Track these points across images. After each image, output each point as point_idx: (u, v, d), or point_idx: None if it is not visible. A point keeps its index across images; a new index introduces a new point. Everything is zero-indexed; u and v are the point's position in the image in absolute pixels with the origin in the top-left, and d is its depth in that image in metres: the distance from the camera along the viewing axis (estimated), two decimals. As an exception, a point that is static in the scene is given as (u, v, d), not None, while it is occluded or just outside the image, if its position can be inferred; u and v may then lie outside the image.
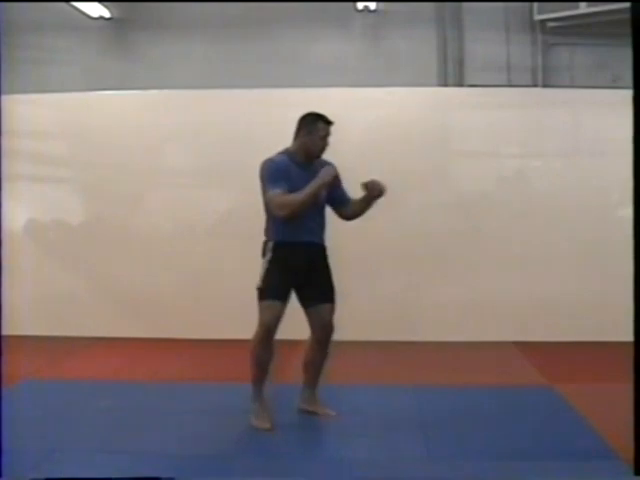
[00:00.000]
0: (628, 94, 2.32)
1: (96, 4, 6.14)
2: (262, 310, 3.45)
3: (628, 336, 2.30)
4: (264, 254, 3.52)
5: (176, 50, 6.34)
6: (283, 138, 5.85)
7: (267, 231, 3.56)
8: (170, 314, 5.84)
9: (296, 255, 3.49)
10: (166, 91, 5.97)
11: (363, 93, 5.85)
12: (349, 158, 5.83)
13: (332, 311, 3.62)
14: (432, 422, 3.56)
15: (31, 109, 5.78)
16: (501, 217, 5.76)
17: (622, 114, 2.72)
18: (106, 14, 6.32)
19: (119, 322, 5.85)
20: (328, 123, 3.60)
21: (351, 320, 5.66)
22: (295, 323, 5.82)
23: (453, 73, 6.31)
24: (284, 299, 3.48)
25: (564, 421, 3.60)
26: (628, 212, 2.34)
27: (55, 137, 6.06)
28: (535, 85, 6.21)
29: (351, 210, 3.69)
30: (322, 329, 3.59)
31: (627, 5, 3.35)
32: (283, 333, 5.61)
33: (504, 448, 3.24)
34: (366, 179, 3.53)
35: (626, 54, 2.40)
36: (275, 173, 3.44)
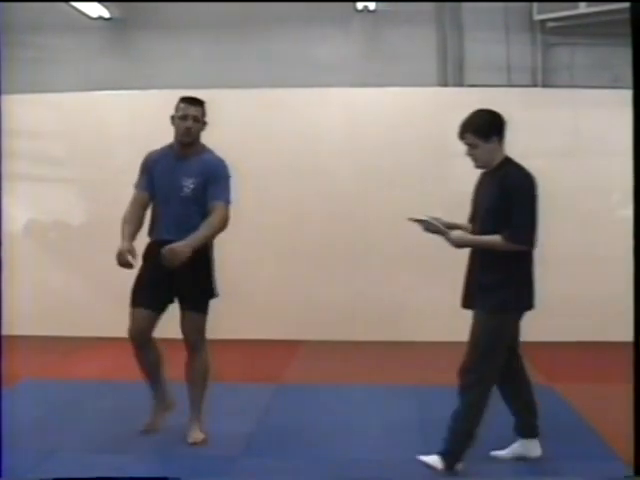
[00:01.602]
0: (628, 94, 2.31)
1: (96, 4, 6.13)
2: (129, 317, 3.57)
3: (628, 336, 2.30)
4: None
5: (176, 50, 6.34)
6: (283, 138, 5.90)
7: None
8: (170, 314, 5.82)
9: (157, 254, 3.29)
10: (166, 91, 5.95)
11: (363, 93, 5.85)
12: (349, 158, 5.86)
13: (196, 320, 3.56)
14: (432, 422, 3.55)
15: (31, 109, 5.78)
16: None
17: (622, 114, 2.72)
18: (106, 14, 6.31)
19: (119, 322, 5.83)
20: (190, 103, 3.42)
21: (351, 320, 5.69)
22: (299, 323, 5.83)
23: (453, 73, 6.31)
24: (147, 304, 3.55)
25: (564, 421, 3.60)
26: (628, 212, 2.34)
27: (55, 137, 6.06)
28: (535, 85, 6.21)
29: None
30: (187, 337, 3.56)
31: (627, 5, 3.34)
32: (284, 333, 5.64)
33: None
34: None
35: (626, 54, 2.39)
36: (140, 167, 3.47)
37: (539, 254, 5.90)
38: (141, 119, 5.94)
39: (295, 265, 5.85)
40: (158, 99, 5.96)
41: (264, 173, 5.84)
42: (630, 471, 2.41)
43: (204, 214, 3.37)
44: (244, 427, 3.55)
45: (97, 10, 6.23)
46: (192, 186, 3.33)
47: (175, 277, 3.32)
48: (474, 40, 6.27)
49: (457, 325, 5.87)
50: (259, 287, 5.80)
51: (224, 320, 5.73)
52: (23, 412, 3.50)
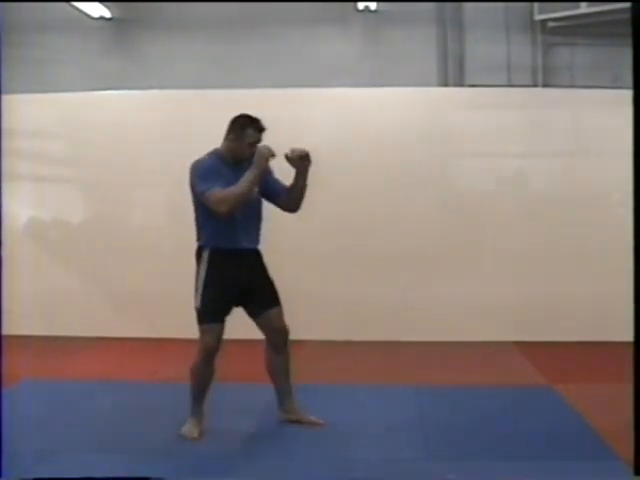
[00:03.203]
0: (628, 94, 2.31)
1: (97, 4, 6.14)
2: (202, 333, 3.39)
3: (628, 336, 2.30)
4: (198, 261, 3.36)
5: (176, 50, 6.34)
6: (283, 138, 5.88)
7: (200, 237, 3.38)
8: (170, 314, 5.83)
9: (231, 263, 3.33)
10: (166, 91, 5.97)
11: (363, 93, 5.85)
12: (349, 158, 5.85)
13: (281, 314, 3.52)
14: (432, 422, 3.56)
15: (31, 108, 5.77)
16: (501, 217, 5.76)
17: (622, 114, 2.71)
18: (107, 14, 6.32)
19: (119, 322, 5.85)
20: (260, 130, 3.41)
21: (351, 320, 5.69)
22: (299, 323, 5.82)
23: (453, 73, 6.31)
24: (224, 320, 3.41)
25: (564, 421, 3.60)
26: (628, 212, 2.34)
27: (55, 136, 6.06)
28: (535, 85, 6.21)
29: (291, 196, 3.46)
30: (275, 334, 3.49)
31: (627, 5, 3.34)
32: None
33: (504, 448, 3.24)
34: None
35: (626, 54, 2.39)
36: (207, 172, 3.27)
37: (539, 254, 5.93)
38: (141, 119, 5.95)
39: (295, 265, 5.84)
40: (158, 99, 5.98)
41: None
42: (630, 471, 2.41)
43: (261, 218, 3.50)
44: (244, 427, 3.55)
45: (98, 10, 6.25)
46: (256, 194, 3.39)
47: (246, 283, 3.40)
48: (474, 40, 6.27)
49: (457, 325, 5.91)
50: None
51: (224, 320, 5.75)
52: (23, 412, 3.50)
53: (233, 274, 3.33)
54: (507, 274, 5.69)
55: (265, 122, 5.76)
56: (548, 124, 5.75)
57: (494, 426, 3.54)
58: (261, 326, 3.50)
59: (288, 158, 3.37)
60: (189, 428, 3.35)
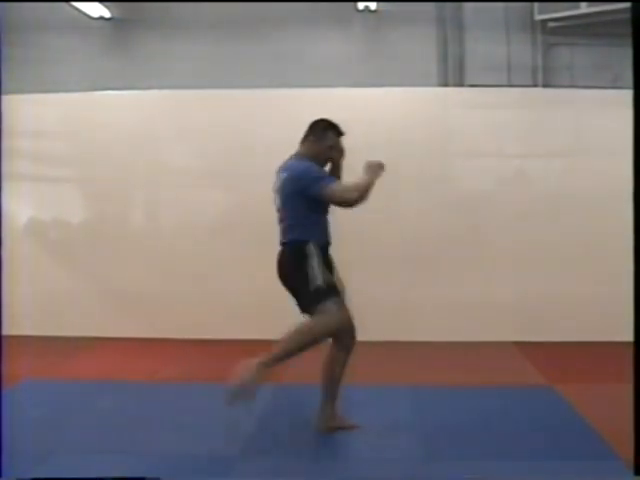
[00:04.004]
0: (628, 94, 2.31)
1: (97, 4, 6.14)
2: (330, 309, 3.31)
3: (628, 336, 2.30)
4: (303, 255, 3.40)
5: (176, 50, 6.34)
6: (283, 138, 5.87)
7: (300, 233, 3.46)
8: (170, 314, 5.84)
9: (326, 255, 3.52)
10: (166, 91, 5.97)
11: (363, 93, 5.85)
12: (349, 158, 5.84)
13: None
14: (432, 422, 3.56)
15: (31, 108, 5.77)
16: (501, 217, 5.76)
17: (622, 114, 2.71)
18: (106, 14, 6.32)
19: (119, 322, 5.85)
20: (339, 134, 3.56)
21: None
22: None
23: (453, 73, 6.31)
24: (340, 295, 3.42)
25: (564, 421, 3.60)
26: (628, 212, 2.34)
27: (55, 136, 6.06)
28: (535, 85, 6.21)
29: None
30: (350, 329, 3.49)
31: (627, 5, 3.34)
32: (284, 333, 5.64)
33: (504, 448, 3.24)
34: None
35: (626, 54, 2.40)
36: (319, 171, 3.44)
37: (539, 254, 5.93)
38: (142, 119, 5.95)
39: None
40: (158, 99, 5.98)
41: (264, 173, 5.83)
42: (630, 471, 2.41)
43: None
44: (244, 427, 3.54)
45: (98, 10, 6.25)
46: None
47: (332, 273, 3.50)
48: (475, 40, 6.27)
49: (457, 325, 5.91)
50: (259, 287, 5.79)
51: (224, 320, 5.76)
52: (23, 412, 3.50)
53: (328, 265, 3.49)
54: (507, 274, 5.69)
55: (265, 122, 5.82)
56: (548, 124, 5.75)
57: (494, 426, 3.54)
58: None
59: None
60: (252, 378, 3.26)
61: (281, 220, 3.54)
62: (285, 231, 3.51)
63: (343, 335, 3.44)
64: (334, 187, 3.35)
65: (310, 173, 3.40)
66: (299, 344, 3.34)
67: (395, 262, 5.71)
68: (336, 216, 5.77)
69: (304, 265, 3.37)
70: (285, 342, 3.33)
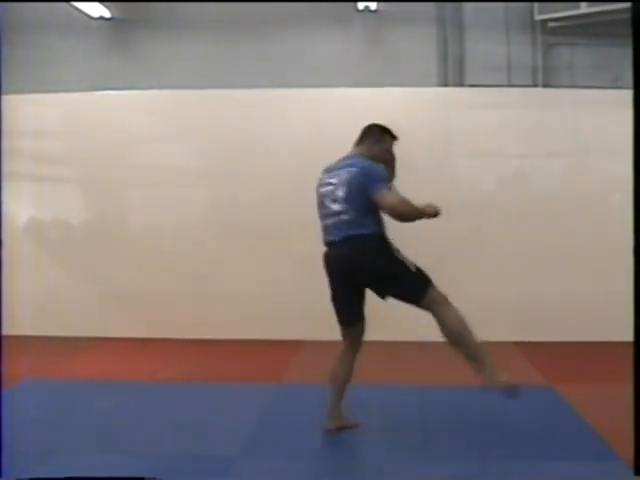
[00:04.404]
0: (628, 94, 2.31)
1: (96, 4, 6.14)
2: (436, 293, 3.40)
3: (628, 336, 2.30)
4: (386, 246, 3.43)
5: (176, 50, 6.34)
6: (283, 138, 5.90)
7: (371, 224, 3.43)
8: (170, 314, 5.84)
9: None
10: (166, 91, 5.97)
11: (363, 93, 5.85)
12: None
13: None
14: (431, 422, 3.56)
15: (32, 109, 5.77)
16: (501, 217, 5.76)
17: (622, 114, 2.71)
18: (106, 14, 6.32)
19: (119, 322, 5.86)
20: (394, 138, 3.65)
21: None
22: (299, 323, 5.82)
23: (453, 73, 6.31)
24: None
25: (564, 421, 3.60)
26: (628, 212, 2.34)
27: (55, 136, 6.06)
28: (535, 85, 6.21)
29: None
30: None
31: (627, 5, 3.34)
32: (284, 333, 5.64)
33: (504, 448, 3.24)
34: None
35: (626, 54, 2.40)
36: (385, 173, 3.49)
37: (539, 254, 5.92)
38: (142, 119, 5.95)
39: (295, 265, 5.85)
40: (158, 99, 5.98)
41: (264, 173, 5.84)
42: (630, 471, 2.41)
43: None
44: (244, 427, 3.54)
45: (98, 10, 6.25)
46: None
47: None
48: (475, 40, 6.27)
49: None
50: (259, 287, 5.80)
51: (224, 320, 5.76)
52: (23, 412, 3.50)
53: None
54: (507, 274, 5.69)
55: (264, 122, 5.82)
56: (548, 124, 5.75)
57: (494, 426, 3.54)
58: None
59: None
60: (506, 377, 3.21)
61: (341, 213, 3.42)
62: (352, 224, 3.40)
63: (358, 335, 3.50)
64: (390, 194, 3.37)
65: (378, 173, 3.44)
66: (469, 335, 3.42)
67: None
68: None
69: (395, 253, 3.42)
70: (469, 350, 3.38)
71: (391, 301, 5.27)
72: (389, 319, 5.68)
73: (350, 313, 3.50)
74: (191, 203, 5.94)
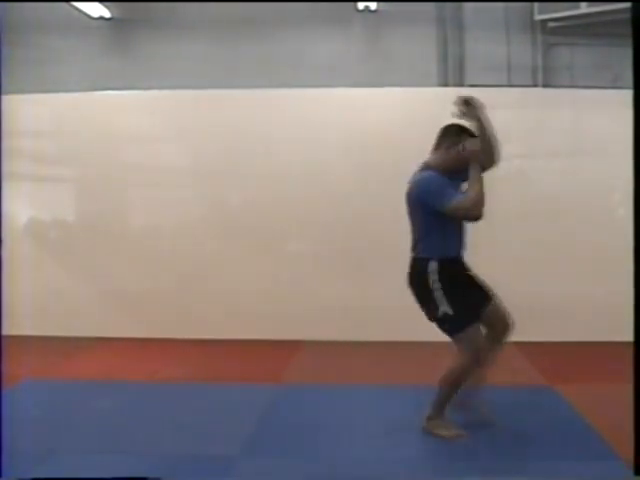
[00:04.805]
0: (628, 94, 2.31)
1: (96, 4, 6.14)
2: (468, 339, 3.29)
3: (628, 336, 2.30)
4: (425, 274, 3.35)
5: (176, 50, 6.34)
6: (283, 138, 5.90)
7: (422, 248, 3.42)
8: (170, 314, 5.84)
9: (460, 268, 3.44)
10: (166, 91, 5.97)
11: (363, 93, 5.85)
12: (349, 158, 5.85)
13: (501, 303, 3.53)
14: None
15: (31, 109, 5.77)
16: (501, 217, 5.74)
17: (622, 114, 2.72)
18: (106, 14, 6.32)
19: (119, 322, 5.86)
20: (472, 136, 3.41)
21: (351, 320, 5.69)
22: (299, 323, 5.82)
23: (453, 73, 6.31)
24: (479, 317, 3.36)
25: (564, 421, 3.60)
26: (628, 212, 2.34)
27: (55, 136, 6.06)
28: (535, 85, 6.21)
29: (485, 155, 3.41)
30: (500, 321, 3.49)
31: (627, 5, 3.34)
32: (284, 333, 5.65)
33: (504, 448, 3.24)
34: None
35: (626, 54, 2.40)
36: (442, 185, 3.29)
37: (539, 254, 5.92)
38: (142, 119, 5.95)
39: (295, 265, 5.85)
40: (158, 99, 5.98)
41: (264, 173, 5.84)
42: (630, 471, 2.41)
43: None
44: (244, 427, 3.54)
45: (98, 10, 6.25)
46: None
47: (471, 282, 3.46)
48: (475, 40, 6.27)
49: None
50: (259, 287, 5.80)
51: (224, 320, 5.76)
52: (23, 412, 3.50)
53: (462, 277, 3.41)
54: (506, 274, 5.67)
55: (265, 122, 5.82)
56: (548, 124, 5.74)
57: (494, 426, 3.53)
58: (487, 317, 3.45)
59: (462, 114, 3.42)
60: (450, 430, 3.35)
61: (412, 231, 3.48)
62: (412, 244, 3.50)
63: (497, 325, 3.47)
64: (458, 203, 3.24)
65: (430, 187, 3.31)
66: (454, 387, 3.39)
67: (395, 262, 5.70)
68: (337, 216, 5.80)
69: (427, 285, 3.34)
70: (441, 390, 3.41)
71: (391, 302, 5.26)
72: (389, 319, 5.70)
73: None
74: (191, 203, 5.94)
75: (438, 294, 3.29)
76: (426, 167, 3.46)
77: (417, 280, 3.40)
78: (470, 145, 3.31)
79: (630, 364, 2.24)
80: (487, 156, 3.37)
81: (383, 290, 5.72)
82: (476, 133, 3.36)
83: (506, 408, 3.83)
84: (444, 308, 3.28)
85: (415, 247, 3.46)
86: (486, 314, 3.44)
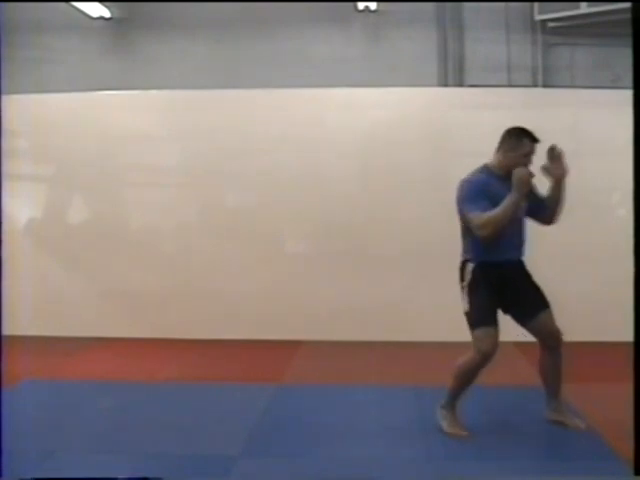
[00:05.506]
0: (628, 94, 2.31)
1: (96, 4, 6.13)
2: (478, 338, 3.33)
3: (628, 336, 2.30)
4: (463, 277, 3.41)
5: (176, 50, 6.34)
6: (283, 138, 5.90)
7: (466, 251, 3.44)
8: (170, 314, 5.84)
9: (497, 274, 3.37)
10: (166, 91, 5.97)
11: (363, 93, 5.85)
12: (349, 158, 5.85)
13: (551, 316, 3.51)
14: (432, 422, 3.55)
15: (31, 108, 5.77)
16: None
17: (622, 114, 2.71)
18: (106, 14, 6.32)
19: (119, 322, 5.86)
20: (534, 140, 3.41)
21: (351, 320, 5.69)
22: (299, 323, 5.82)
23: (453, 73, 6.31)
24: (496, 322, 3.36)
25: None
26: (628, 212, 2.34)
27: (55, 137, 6.05)
28: (535, 85, 6.21)
29: (548, 210, 3.46)
30: (551, 337, 3.48)
31: (627, 5, 3.34)
32: (284, 333, 5.65)
33: (504, 448, 3.24)
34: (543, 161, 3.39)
35: (626, 54, 2.39)
36: (474, 193, 3.31)
37: (539, 254, 5.90)
38: (142, 119, 5.95)
39: (295, 265, 5.85)
40: (158, 99, 5.98)
41: (264, 173, 5.85)
42: (630, 471, 2.40)
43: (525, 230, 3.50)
44: (244, 427, 3.54)
45: (98, 10, 6.24)
46: (522, 208, 3.39)
47: (511, 291, 3.43)
48: (475, 40, 6.27)
49: (457, 325, 5.87)
50: (259, 287, 5.80)
51: (224, 320, 5.76)
52: (23, 412, 3.50)
53: (497, 283, 3.36)
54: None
55: (265, 122, 5.82)
56: (548, 124, 5.72)
57: (494, 426, 3.54)
58: (533, 330, 3.49)
59: (545, 169, 3.39)
60: (453, 426, 3.41)
61: None
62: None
63: (545, 339, 3.49)
64: (472, 218, 3.28)
65: (464, 191, 3.37)
66: (463, 379, 3.44)
67: (395, 262, 5.71)
68: (337, 216, 5.80)
69: (462, 284, 3.41)
70: (452, 382, 3.48)
71: (391, 302, 5.25)
72: (389, 319, 5.70)
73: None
74: (191, 203, 5.94)
75: (466, 292, 3.37)
76: (483, 167, 3.49)
77: (460, 280, 3.45)
78: (519, 172, 3.27)
79: (630, 364, 2.24)
80: (549, 212, 3.46)
81: (383, 290, 5.73)
82: (552, 185, 3.39)
83: (506, 408, 3.83)
84: (466, 307, 3.36)
85: (463, 248, 3.48)
86: (532, 325, 3.47)
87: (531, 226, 5.69)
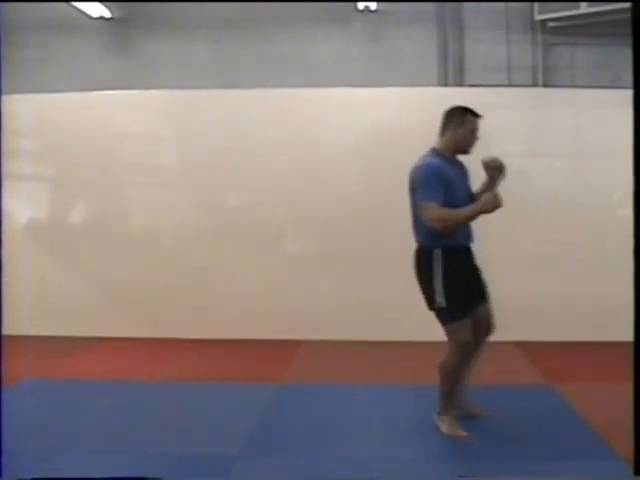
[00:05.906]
0: (628, 94, 2.31)
1: (96, 4, 6.14)
2: (455, 331, 3.33)
3: (628, 336, 2.30)
4: (427, 262, 3.36)
5: (176, 50, 6.35)
6: (283, 138, 5.90)
7: (424, 236, 3.40)
8: (170, 314, 5.84)
9: (464, 260, 3.42)
10: (166, 91, 5.97)
11: (363, 93, 5.85)
12: (349, 157, 5.85)
13: (490, 308, 3.54)
14: (432, 422, 3.55)
15: (31, 109, 5.77)
16: (501, 217, 5.74)
17: (622, 114, 2.71)
18: (106, 14, 6.32)
19: (119, 322, 5.86)
20: (476, 116, 3.44)
21: (351, 320, 5.69)
22: (299, 323, 5.82)
23: (453, 73, 6.31)
24: (469, 312, 3.37)
25: (564, 421, 3.60)
26: (628, 212, 2.34)
27: (55, 136, 6.05)
28: (535, 85, 6.21)
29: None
30: (488, 326, 3.51)
31: (627, 5, 3.34)
32: (284, 333, 5.65)
33: (504, 448, 3.24)
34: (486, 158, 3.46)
35: (626, 54, 2.39)
36: (431, 181, 3.28)
37: (539, 254, 5.92)
38: (141, 119, 5.95)
39: (295, 265, 5.85)
40: (158, 99, 5.98)
41: (264, 173, 5.84)
42: (630, 471, 2.40)
43: None
44: (244, 427, 3.54)
45: (98, 10, 6.24)
46: (468, 195, 3.45)
47: (469, 278, 3.45)
48: (475, 40, 6.27)
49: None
50: (259, 287, 5.80)
51: (224, 320, 5.76)
52: (23, 412, 3.50)
53: (464, 270, 3.40)
54: (507, 274, 5.67)
55: (265, 122, 5.82)
56: (548, 124, 5.74)
57: (494, 426, 3.54)
58: (476, 316, 3.47)
59: (485, 165, 3.48)
60: (452, 428, 3.41)
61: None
62: (414, 231, 3.48)
63: (478, 329, 3.47)
64: (428, 208, 3.25)
65: (419, 178, 3.34)
66: (450, 378, 3.43)
67: (395, 261, 5.70)
68: (337, 216, 5.80)
69: (428, 273, 3.36)
70: (440, 386, 3.47)
71: (391, 302, 5.25)
72: (390, 319, 5.70)
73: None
74: (191, 203, 5.94)
75: (438, 283, 3.32)
76: (433, 152, 3.46)
77: (420, 269, 3.43)
78: (489, 197, 3.37)
79: (630, 364, 2.24)
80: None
81: (383, 290, 5.73)
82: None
83: (506, 408, 3.83)
84: (440, 299, 3.31)
85: (415, 234, 3.46)
86: (476, 313, 3.46)
87: (531, 226, 5.72)
